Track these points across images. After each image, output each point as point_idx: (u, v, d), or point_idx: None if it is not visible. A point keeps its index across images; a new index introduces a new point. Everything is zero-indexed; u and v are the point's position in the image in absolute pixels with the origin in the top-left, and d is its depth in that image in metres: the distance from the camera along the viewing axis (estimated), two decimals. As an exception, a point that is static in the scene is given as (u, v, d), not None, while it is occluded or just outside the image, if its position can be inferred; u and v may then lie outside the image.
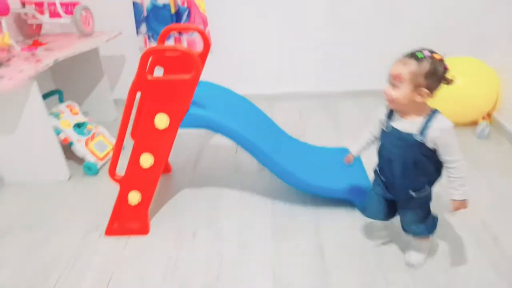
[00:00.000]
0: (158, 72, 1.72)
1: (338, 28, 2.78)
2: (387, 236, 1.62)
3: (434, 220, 1.42)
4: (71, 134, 2.13)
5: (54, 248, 1.66)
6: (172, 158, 2.20)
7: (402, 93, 1.18)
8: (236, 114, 1.68)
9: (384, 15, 2.74)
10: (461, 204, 1.26)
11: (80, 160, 2.20)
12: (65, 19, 2.25)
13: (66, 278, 1.50)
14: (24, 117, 1.91)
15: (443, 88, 1.20)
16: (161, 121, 1.48)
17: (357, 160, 1.91)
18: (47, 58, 1.97)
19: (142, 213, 1.68)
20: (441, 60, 1.16)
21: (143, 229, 1.70)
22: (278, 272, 1.48)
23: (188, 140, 2.44)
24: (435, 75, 1.15)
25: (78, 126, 2.20)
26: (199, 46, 2.59)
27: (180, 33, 2.67)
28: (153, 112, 1.48)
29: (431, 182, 1.33)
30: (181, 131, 1.54)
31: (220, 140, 2.44)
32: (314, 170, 1.77)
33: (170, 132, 1.52)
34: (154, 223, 1.76)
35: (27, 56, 2.01)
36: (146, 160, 1.56)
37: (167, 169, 2.14)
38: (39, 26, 2.47)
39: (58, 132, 2.08)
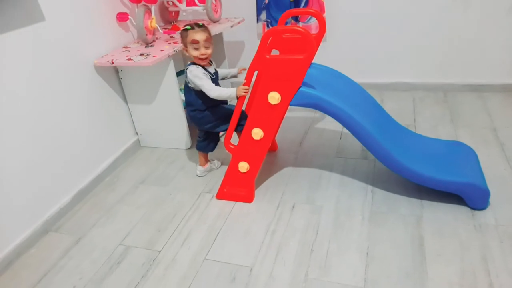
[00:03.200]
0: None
1: (465, 15, 2.55)
2: (495, 236, 1.50)
3: None
4: (195, 108, 2.43)
5: (176, 201, 1.95)
6: (279, 138, 2.34)
7: None
8: (346, 97, 1.72)
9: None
10: None
11: (200, 132, 2.50)
12: (199, 7, 2.55)
13: (185, 225, 1.79)
14: (161, 90, 2.26)
15: None
16: (273, 98, 1.61)
17: (474, 155, 1.79)
18: (182, 40, 2.27)
19: (249, 182, 1.86)
20: None
21: (249, 197, 1.88)
22: (372, 252, 1.51)
23: (295, 123, 2.56)
24: None
25: (201, 102, 2.49)
26: (314, 32, 2.66)
27: (296, 19, 2.78)
28: (267, 89, 1.62)
29: None
30: (289, 115, 1.66)
31: (325, 125, 2.50)
32: (422, 159, 1.71)
33: (281, 108, 1.64)
34: (258, 193, 1.93)
35: (167, 39, 2.35)
36: (257, 133, 1.72)
37: (274, 147, 2.29)
38: (177, 13, 2.84)
39: (185, 105, 2.39)
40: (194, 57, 1.80)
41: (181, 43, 1.85)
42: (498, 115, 2.39)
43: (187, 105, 1.93)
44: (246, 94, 1.71)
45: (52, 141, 1.87)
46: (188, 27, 1.79)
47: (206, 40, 1.78)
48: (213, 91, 1.77)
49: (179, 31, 1.82)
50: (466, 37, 2.62)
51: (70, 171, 1.99)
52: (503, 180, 1.80)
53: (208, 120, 1.91)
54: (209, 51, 1.81)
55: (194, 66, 1.82)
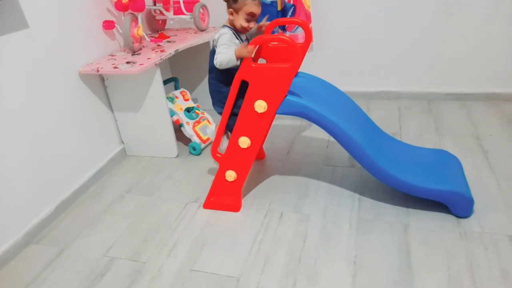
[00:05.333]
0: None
1: (448, 27, 2.61)
2: (480, 243, 1.51)
3: None
4: (182, 116, 2.42)
5: (162, 211, 1.93)
6: (266, 146, 2.34)
7: None
8: (332, 105, 1.73)
9: (504, 14, 2.49)
10: None
11: (186, 142, 2.48)
12: (186, 16, 2.55)
13: (171, 235, 1.76)
14: (147, 99, 2.24)
15: None
16: (260, 106, 1.61)
17: (458, 163, 1.81)
18: (170, 48, 2.27)
19: (236, 191, 1.85)
20: None
21: (236, 206, 1.87)
22: (359, 261, 1.50)
23: (282, 131, 2.56)
24: None
25: (188, 110, 2.48)
26: (301, 42, 2.69)
27: (283, 29, 2.80)
28: (253, 98, 1.62)
29: None
30: (276, 123, 1.66)
31: (313, 133, 2.51)
32: (407, 168, 1.73)
33: (267, 117, 1.64)
34: (245, 202, 1.91)
35: (154, 47, 2.34)
36: (244, 142, 1.72)
37: (261, 155, 2.29)
38: (164, 21, 2.84)
39: (172, 114, 2.37)
40: (240, 25, 1.67)
41: (230, 3, 1.66)
42: (481, 123, 2.43)
43: (209, 71, 1.77)
44: (250, 55, 1.54)
45: (35, 150, 1.84)
46: None
47: (259, 13, 1.67)
48: (217, 60, 1.61)
49: None
50: (449, 48, 2.67)
51: (53, 181, 1.94)
52: (486, 187, 1.82)
53: (223, 100, 1.72)
54: (254, 24, 1.71)
55: (227, 29, 1.68)
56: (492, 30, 2.55)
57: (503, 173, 1.92)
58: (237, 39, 1.71)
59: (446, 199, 1.63)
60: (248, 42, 1.72)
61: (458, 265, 1.44)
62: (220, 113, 1.77)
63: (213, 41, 1.71)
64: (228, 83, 1.69)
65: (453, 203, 1.63)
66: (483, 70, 2.68)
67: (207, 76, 1.81)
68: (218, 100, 1.81)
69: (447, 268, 1.43)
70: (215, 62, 1.63)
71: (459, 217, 1.65)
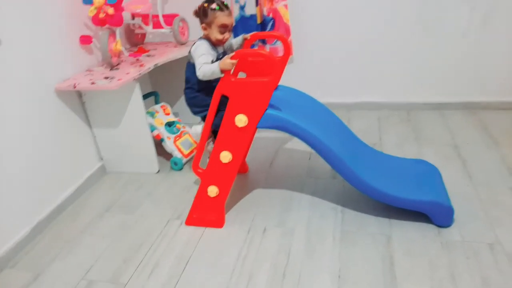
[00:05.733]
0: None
1: (425, 39, 2.68)
2: (462, 252, 1.53)
3: None
4: (163, 131, 2.39)
5: (143, 229, 1.88)
6: (249, 159, 2.33)
7: None
8: (312, 118, 1.74)
9: (478, 27, 2.57)
10: None
11: (167, 157, 2.44)
12: (165, 30, 2.54)
13: (152, 254, 1.71)
14: (126, 114, 2.20)
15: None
16: (241, 120, 1.60)
17: (437, 173, 1.83)
18: (149, 63, 2.25)
19: (219, 206, 1.82)
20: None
21: (219, 222, 1.84)
22: (344, 274, 1.49)
23: (265, 144, 2.55)
24: None
25: (169, 125, 2.45)
26: (280, 55, 2.71)
27: (263, 42, 2.82)
28: (234, 112, 1.61)
29: None
30: (258, 136, 1.65)
31: (295, 145, 2.51)
32: (389, 179, 1.74)
33: (248, 131, 1.64)
34: (228, 217, 1.89)
35: (133, 61, 2.32)
36: (226, 157, 1.70)
37: (244, 169, 2.27)
38: (144, 35, 2.81)
39: (152, 129, 2.34)
40: (215, 38, 1.68)
41: (201, 19, 1.69)
42: (459, 132, 2.49)
43: (185, 81, 1.79)
44: (232, 67, 1.55)
45: (9, 168, 1.77)
46: (216, 6, 1.64)
47: (232, 25, 1.69)
48: (200, 71, 1.62)
49: (202, 6, 1.66)
50: (427, 59, 2.74)
51: (29, 201, 1.88)
52: (466, 196, 1.85)
53: (199, 103, 1.77)
54: (229, 35, 1.72)
55: (203, 41, 1.70)
56: (468, 41, 2.63)
57: (482, 181, 1.95)
58: (213, 50, 1.72)
59: (426, 209, 1.65)
60: (225, 54, 1.74)
61: (440, 275, 1.44)
62: (195, 113, 1.82)
63: (189, 53, 1.71)
64: (204, 92, 1.72)
65: (433, 213, 1.65)
66: (460, 79, 2.75)
67: (184, 90, 1.81)
68: (194, 105, 1.82)
69: (430, 279, 1.43)
70: (198, 73, 1.63)
71: (440, 226, 1.67)
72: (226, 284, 1.51)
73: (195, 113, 1.84)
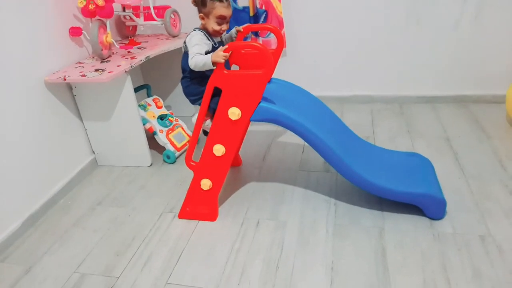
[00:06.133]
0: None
1: (417, 32, 2.68)
2: (453, 244, 1.54)
3: None
4: (155, 124, 2.36)
5: (135, 223, 1.87)
6: (242, 153, 2.32)
7: None
8: (306, 111, 1.73)
9: (470, 20, 2.57)
10: None
11: (160, 150, 2.43)
12: (157, 22, 2.50)
13: (145, 248, 1.70)
14: (118, 107, 2.17)
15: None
16: (234, 113, 1.59)
17: (430, 166, 1.84)
18: (140, 55, 2.22)
19: (212, 199, 1.81)
20: None
21: (212, 215, 1.83)
22: (336, 266, 1.50)
23: (258, 137, 2.55)
24: None
25: (161, 118, 2.43)
26: (273, 47, 2.69)
27: (256, 34, 2.80)
28: (227, 105, 1.60)
29: None
30: (252, 129, 1.64)
31: (288, 138, 2.51)
32: (381, 172, 1.75)
33: (242, 124, 1.62)
34: (222, 211, 1.88)
35: (124, 54, 2.28)
36: (219, 150, 1.69)
37: (237, 162, 2.26)
38: (135, 28, 2.77)
39: (145, 122, 2.32)
40: (212, 29, 1.65)
41: (199, 8, 1.65)
42: (451, 125, 2.50)
43: (182, 71, 1.76)
44: (224, 60, 1.53)
45: (0, 163, 1.75)
46: None
47: (230, 16, 1.66)
48: (192, 61, 1.58)
49: None
50: (418, 52, 2.74)
51: (19, 195, 1.85)
52: (458, 189, 1.87)
53: (193, 92, 1.75)
54: (227, 27, 1.69)
55: (198, 31, 1.66)
56: (459, 35, 2.63)
57: (473, 174, 1.97)
58: (209, 40, 1.69)
59: (419, 201, 1.66)
60: (222, 45, 1.72)
61: (432, 267, 1.46)
62: (192, 102, 1.79)
63: (184, 43, 1.69)
64: (197, 80, 1.70)
65: (426, 205, 1.66)
66: (452, 73, 2.76)
67: (177, 83, 1.78)
68: (189, 94, 1.79)
69: (422, 270, 1.45)
70: (190, 63, 1.60)
71: (432, 218, 1.68)
72: (219, 277, 1.51)
73: (192, 102, 1.81)
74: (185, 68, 1.71)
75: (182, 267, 1.58)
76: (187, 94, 1.80)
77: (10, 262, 1.69)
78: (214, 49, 1.65)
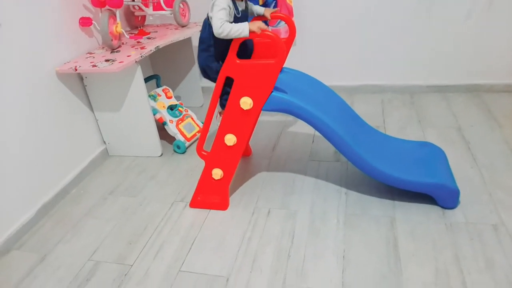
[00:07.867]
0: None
1: (428, 21, 2.64)
2: (466, 234, 1.54)
3: None
4: (165, 114, 2.37)
5: (147, 212, 1.88)
6: (252, 143, 2.32)
7: None
8: (317, 101, 1.72)
9: (483, 9, 2.52)
10: None
11: (170, 140, 2.43)
12: (166, 12, 2.49)
13: (157, 237, 1.72)
14: (128, 97, 2.18)
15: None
16: (246, 103, 1.59)
17: (443, 155, 1.83)
18: (150, 45, 2.21)
19: (223, 189, 1.82)
20: None
21: (223, 204, 1.84)
22: (348, 255, 1.51)
23: (268, 127, 2.54)
24: None
25: (171, 108, 2.43)
26: (284, 36, 2.66)
27: (265, 23, 2.77)
28: (239, 94, 1.59)
29: None
30: (262, 119, 1.63)
31: (298, 128, 2.50)
32: (393, 161, 1.74)
33: (253, 113, 1.62)
34: (233, 200, 1.89)
35: (134, 44, 2.28)
36: (230, 139, 1.69)
37: (248, 152, 2.26)
38: (144, 18, 2.76)
39: (155, 112, 2.32)
40: None
41: None
42: (462, 114, 2.47)
43: (200, 42, 1.64)
44: (260, 32, 1.47)
45: (13, 153, 1.76)
46: None
47: None
48: (221, 28, 1.46)
49: None
50: (430, 41, 2.70)
51: (32, 185, 1.88)
52: (470, 178, 1.85)
53: (216, 68, 1.61)
54: None
55: None
56: (471, 24, 2.59)
57: (485, 164, 1.95)
58: (234, 5, 1.57)
59: (432, 191, 1.65)
60: (247, 14, 1.65)
61: (444, 256, 1.45)
62: (208, 78, 1.69)
63: (208, 12, 1.55)
64: (219, 57, 1.61)
65: (439, 195, 1.65)
66: (463, 62, 2.72)
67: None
68: (206, 75, 1.68)
69: (434, 260, 1.44)
70: (215, 28, 1.48)
71: (444, 208, 1.67)
72: (231, 265, 1.52)
73: (207, 77, 1.70)
74: (206, 39, 1.60)
75: (194, 255, 1.59)
76: (207, 69, 1.66)
77: (25, 250, 1.72)
78: (236, 19, 1.56)
